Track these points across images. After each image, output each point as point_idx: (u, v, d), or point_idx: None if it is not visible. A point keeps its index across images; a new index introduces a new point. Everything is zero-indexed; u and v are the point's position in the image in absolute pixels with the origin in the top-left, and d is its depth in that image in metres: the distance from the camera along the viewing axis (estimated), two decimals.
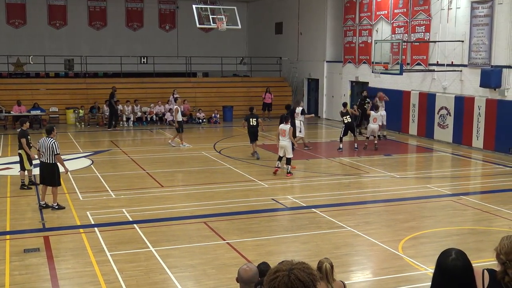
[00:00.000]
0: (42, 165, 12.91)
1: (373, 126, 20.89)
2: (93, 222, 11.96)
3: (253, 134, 19.61)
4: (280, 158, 16.76)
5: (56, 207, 12.82)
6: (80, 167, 17.65)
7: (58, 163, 12.88)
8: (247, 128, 19.72)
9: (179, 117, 21.83)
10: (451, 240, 10.91)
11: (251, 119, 19.66)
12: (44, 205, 12.89)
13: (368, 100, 23.10)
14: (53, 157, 12.71)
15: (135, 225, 11.74)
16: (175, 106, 22.22)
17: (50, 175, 12.83)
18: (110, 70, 32.99)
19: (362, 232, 11.35)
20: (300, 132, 20.54)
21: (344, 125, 20.83)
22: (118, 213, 12.59)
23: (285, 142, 16.49)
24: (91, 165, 17.99)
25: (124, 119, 28.11)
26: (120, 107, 27.74)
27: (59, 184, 13.12)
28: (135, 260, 9.78)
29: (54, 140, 12.72)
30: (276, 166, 16.75)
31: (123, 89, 29.83)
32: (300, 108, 21.12)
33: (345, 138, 21.18)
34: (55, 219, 12.19)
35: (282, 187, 15.33)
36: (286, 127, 16.55)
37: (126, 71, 31.67)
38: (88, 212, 12.61)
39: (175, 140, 21.79)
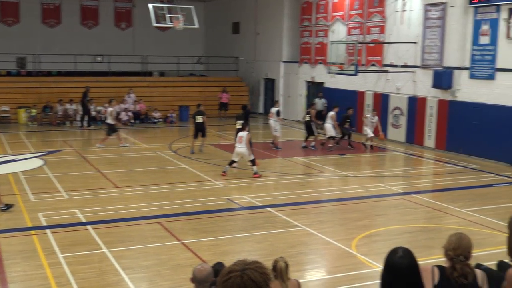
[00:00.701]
0: None
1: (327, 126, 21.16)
2: (45, 224, 11.73)
3: (198, 131, 19.92)
4: (231, 163, 16.47)
5: (5, 208, 12.47)
6: (32, 168, 17.29)
7: None
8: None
9: (111, 120, 21.21)
10: (403, 238, 11.13)
11: (196, 116, 19.99)
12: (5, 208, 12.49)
13: (349, 120, 21.80)
14: None
15: (88, 226, 11.56)
16: (110, 109, 21.43)
17: None
18: (64, 68, 32.39)
19: (316, 231, 11.47)
20: (276, 131, 21.22)
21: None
22: (71, 214, 12.38)
23: (241, 149, 16.28)
24: (43, 166, 17.64)
25: (78, 118, 27.66)
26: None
27: None
28: (88, 262, 9.63)
29: None
30: (224, 170, 16.47)
31: (77, 88, 29.32)
32: (276, 109, 21.59)
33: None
34: (4, 221, 11.90)
35: (237, 187, 15.34)
36: (243, 134, 16.42)
37: (81, 70, 31.16)
38: (39, 214, 12.35)
39: (105, 142, 21.14)
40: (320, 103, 26.68)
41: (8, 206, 12.57)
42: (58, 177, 15.93)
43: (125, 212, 12.78)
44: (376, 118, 21.58)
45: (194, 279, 5.25)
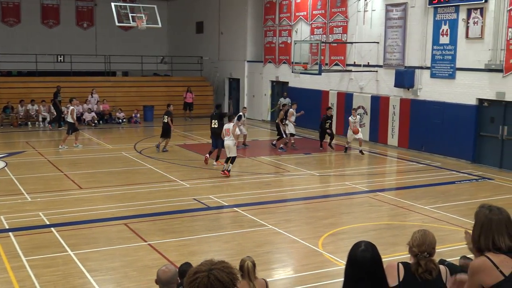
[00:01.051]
0: None
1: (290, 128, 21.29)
2: (7, 227, 11.51)
3: (163, 131, 20.21)
4: (227, 160, 16.47)
5: None
6: None
7: None
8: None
9: (71, 119, 21.04)
10: (368, 235, 11.27)
11: (164, 116, 20.34)
12: None
13: (330, 121, 21.41)
14: None
15: (52, 228, 11.40)
16: (71, 107, 21.22)
17: None
18: (24, 68, 31.79)
19: (283, 230, 11.54)
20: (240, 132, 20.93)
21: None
22: (35, 217, 12.18)
23: (229, 142, 16.40)
24: (5, 167, 17.29)
25: (40, 119, 27.21)
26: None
27: None
28: (53, 264, 9.50)
29: None
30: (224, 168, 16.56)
31: (38, 88, 28.89)
32: (238, 114, 21.39)
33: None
34: None
35: (204, 187, 15.31)
36: (229, 125, 16.55)
37: (42, 70, 30.61)
38: (1, 217, 12.12)
39: (66, 142, 20.97)
40: (285, 102, 26.80)
41: None
42: (20, 179, 15.65)
43: (90, 214, 12.62)
44: (358, 117, 21.29)
45: (158, 281, 5.22)
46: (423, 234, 4.52)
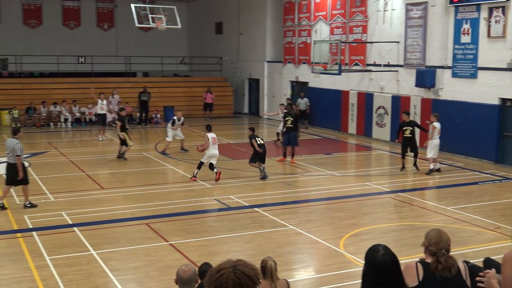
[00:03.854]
0: (7, 166, 12.87)
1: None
2: (31, 226, 11.64)
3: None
4: (211, 166, 15.75)
5: (30, 204, 12.95)
6: None
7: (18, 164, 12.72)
8: None
9: (105, 111, 23.68)
10: (390, 236, 11.21)
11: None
12: (31, 204, 13.00)
13: (410, 128, 17.51)
14: (14, 157, 12.67)
15: (75, 228, 11.50)
16: (105, 101, 23.77)
17: (16, 175, 12.72)
18: (46, 69, 32.13)
19: (304, 230, 11.51)
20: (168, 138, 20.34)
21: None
22: (57, 216, 12.31)
23: (216, 152, 15.90)
24: (28, 168, 17.47)
25: (62, 120, 27.47)
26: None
27: (27, 182, 13.08)
28: (76, 264, 9.58)
29: (18, 141, 12.73)
30: (215, 172, 15.73)
31: (60, 89, 29.20)
32: (171, 119, 20.93)
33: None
34: None
35: (224, 187, 15.32)
36: (214, 135, 16.02)
37: (63, 71, 30.92)
38: (25, 216, 12.27)
39: (103, 134, 23.12)
40: (303, 102, 26.85)
41: (32, 205, 13.01)
42: (43, 179, 15.82)
43: (111, 214, 12.72)
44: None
45: (178, 280, 5.23)
46: (437, 232, 4.52)
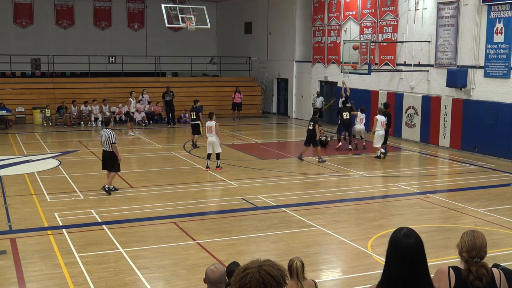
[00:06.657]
0: (103, 153, 14.45)
1: (359, 127, 20.99)
2: (61, 224, 11.80)
3: (193, 127, 21.20)
4: (208, 156, 17.16)
5: (108, 188, 14.15)
6: (48, 168, 17.40)
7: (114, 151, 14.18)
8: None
9: (131, 109, 25.03)
10: None
11: (191, 113, 21.46)
12: (109, 189, 14.23)
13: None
14: (110, 145, 14.08)
15: (104, 226, 11.63)
16: (129, 99, 25.01)
17: (110, 161, 14.27)
18: (78, 69, 32.58)
19: (331, 230, 11.44)
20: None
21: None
22: (87, 214, 12.46)
23: (212, 138, 16.91)
24: (59, 166, 17.75)
25: (92, 119, 27.82)
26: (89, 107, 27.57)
27: (119, 170, 14.54)
28: (104, 261, 9.69)
29: (111, 131, 14.23)
30: (206, 165, 17.13)
31: (91, 89, 29.57)
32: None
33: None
34: (21, 221, 12.00)
35: (252, 187, 15.33)
36: (212, 123, 16.96)
37: (94, 71, 31.31)
38: (56, 214, 12.45)
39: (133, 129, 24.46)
40: (319, 101, 26.78)
41: (114, 189, 14.42)
42: (73, 177, 16.03)
43: (140, 212, 12.83)
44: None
45: (207, 280, 5.21)
46: (472, 238, 4.34)
